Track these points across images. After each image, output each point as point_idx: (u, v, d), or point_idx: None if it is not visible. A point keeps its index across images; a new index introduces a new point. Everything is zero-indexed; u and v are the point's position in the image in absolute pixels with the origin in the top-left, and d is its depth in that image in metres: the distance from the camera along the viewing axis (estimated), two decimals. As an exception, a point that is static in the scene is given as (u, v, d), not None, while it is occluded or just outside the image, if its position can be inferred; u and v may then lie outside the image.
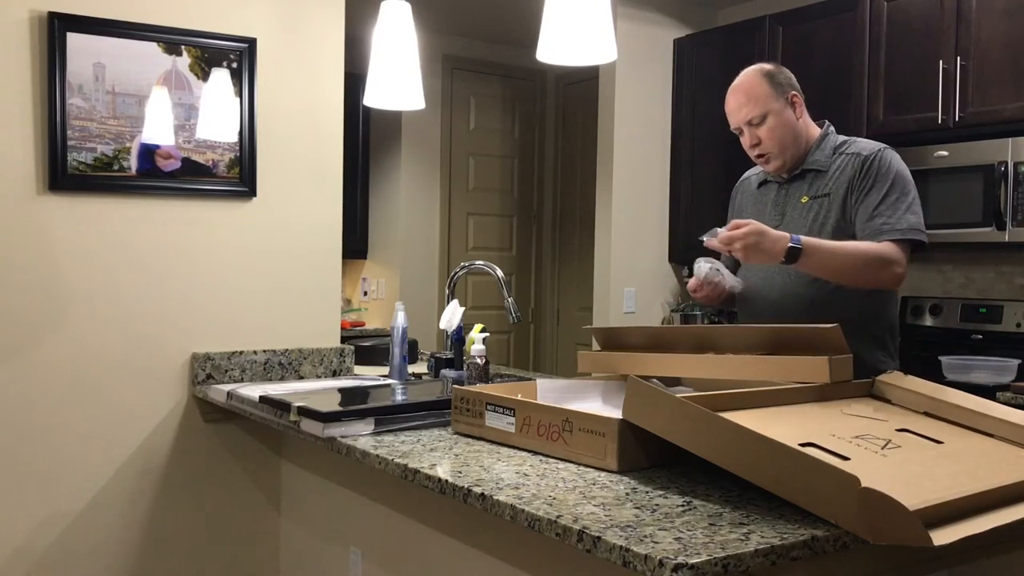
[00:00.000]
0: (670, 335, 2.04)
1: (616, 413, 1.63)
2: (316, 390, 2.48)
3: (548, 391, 2.03)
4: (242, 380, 2.73)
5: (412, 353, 3.18)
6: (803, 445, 1.39)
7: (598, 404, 2.02)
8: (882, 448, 1.47)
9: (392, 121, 5.47)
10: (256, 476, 2.84)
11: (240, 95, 2.72)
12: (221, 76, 2.69)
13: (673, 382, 2.08)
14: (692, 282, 2.29)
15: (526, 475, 1.62)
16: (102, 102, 2.52)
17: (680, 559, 1.15)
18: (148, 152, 2.59)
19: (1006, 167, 3.21)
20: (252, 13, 2.75)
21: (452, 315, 2.75)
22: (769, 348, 1.83)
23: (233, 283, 2.75)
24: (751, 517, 1.35)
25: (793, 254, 2.02)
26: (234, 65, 2.71)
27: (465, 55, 5.69)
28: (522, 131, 6.03)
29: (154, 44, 2.59)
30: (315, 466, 2.66)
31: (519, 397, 1.89)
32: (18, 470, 2.46)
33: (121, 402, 2.60)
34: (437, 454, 1.80)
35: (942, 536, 1.19)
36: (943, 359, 3.20)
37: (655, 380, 1.95)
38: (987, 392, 2.83)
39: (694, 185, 4.49)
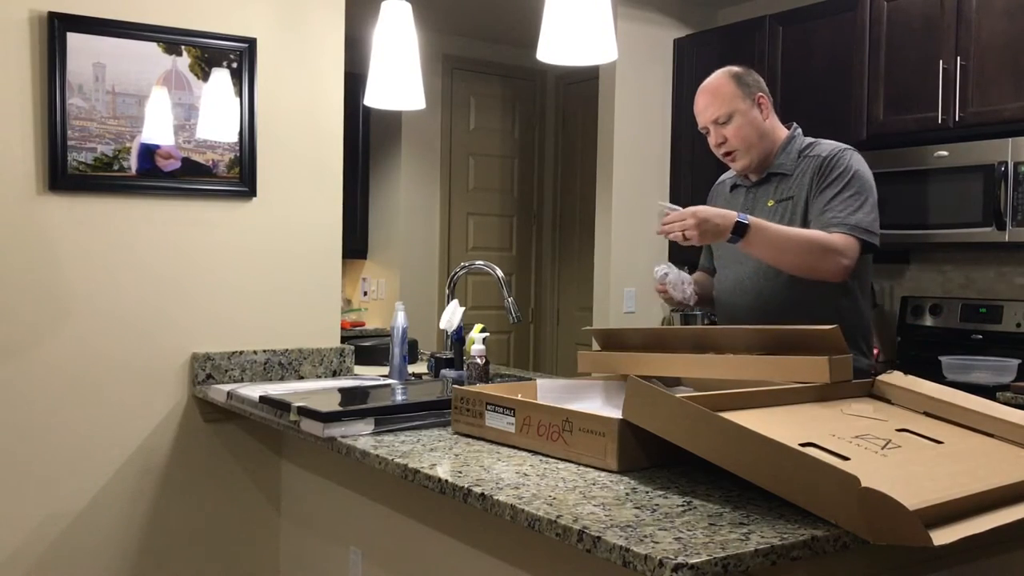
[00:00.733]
0: (670, 335, 2.04)
1: (616, 413, 1.63)
2: (316, 390, 2.48)
3: (548, 391, 2.03)
4: (242, 380, 2.73)
5: (412, 353, 3.18)
6: (803, 445, 1.39)
7: (598, 404, 2.02)
8: (882, 448, 1.47)
9: (392, 121, 5.47)
10: (256, 476, 2.84)
11: (240, 95, 2.72)
12: (221, 76, 2.69)
13: (673, 382, 2.08)
14: (655, 286, 2.38)
15: (526, 475, 1.62)
16: (102, 102, 2.52)
17: (680, 559, 1.15)
18: (148, 152, 2.59)
19: (1006, 167, 3.21)
20: (252, 13, 2.75)
21: (452, 315, 2.75)
22: (769, 348, 1.83)
23: (233, 283, 2.75)
24: (751, 517, 1.35)
25: (740, 229, 2.09)
26: (234, 65, 2.71)
27: (465, 55, 5.69)
28: (522, 131, 6.04)
29: (154, 44, 2.59)
30: (315, 466, 2.66)
31: (519, 397, 1.89)
32: (18, 470, 2.47)
33: (121, 402, 2.60)
34: (437, 454, 1.80)
35: (942, 536, 1.19)
36: (943, 359, 3.21)
37: (655, 380, 1.95)
38: (987, 392, 2.83)
39: (694, 185, 4.49)
